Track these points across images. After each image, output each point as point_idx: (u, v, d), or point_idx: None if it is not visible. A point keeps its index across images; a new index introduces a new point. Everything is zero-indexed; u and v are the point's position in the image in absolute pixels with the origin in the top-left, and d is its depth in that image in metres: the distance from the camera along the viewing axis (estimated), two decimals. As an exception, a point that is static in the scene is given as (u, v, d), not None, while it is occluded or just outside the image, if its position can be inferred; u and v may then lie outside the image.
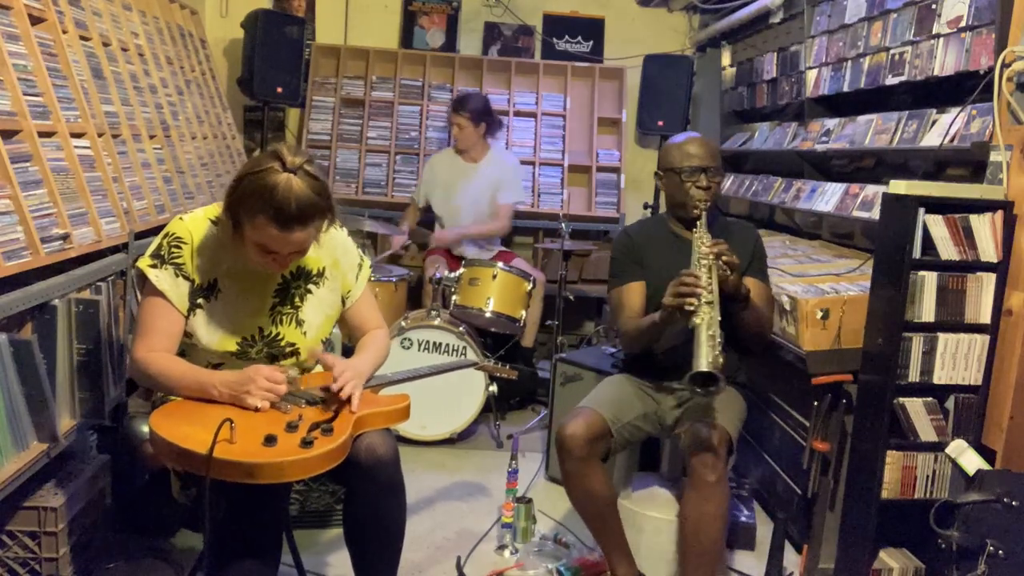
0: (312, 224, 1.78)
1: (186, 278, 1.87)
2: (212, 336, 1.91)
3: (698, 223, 2.34)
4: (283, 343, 1.96)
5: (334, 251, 2.03)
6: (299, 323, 1.98)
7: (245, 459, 1.57)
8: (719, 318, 2.12)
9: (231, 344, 1.92)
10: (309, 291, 2.00)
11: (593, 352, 3.45)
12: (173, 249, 1.87)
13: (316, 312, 2.01)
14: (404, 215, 4.57)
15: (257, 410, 1.76)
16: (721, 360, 2.06)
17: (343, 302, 2.08)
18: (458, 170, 4.37)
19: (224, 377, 1.81)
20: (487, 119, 4.31)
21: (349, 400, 1.86)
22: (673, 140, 2.52)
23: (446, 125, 5.05)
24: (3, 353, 1.85)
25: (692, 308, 2.11)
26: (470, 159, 4.37)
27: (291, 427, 1.70)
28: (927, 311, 2.21)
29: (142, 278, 1.88)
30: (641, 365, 2.53)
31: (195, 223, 1.90)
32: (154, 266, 1.86)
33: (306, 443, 1.64)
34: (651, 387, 2.50)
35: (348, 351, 2.20)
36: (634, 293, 2.47)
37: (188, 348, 1.96)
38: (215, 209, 1.92)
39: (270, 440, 1.62)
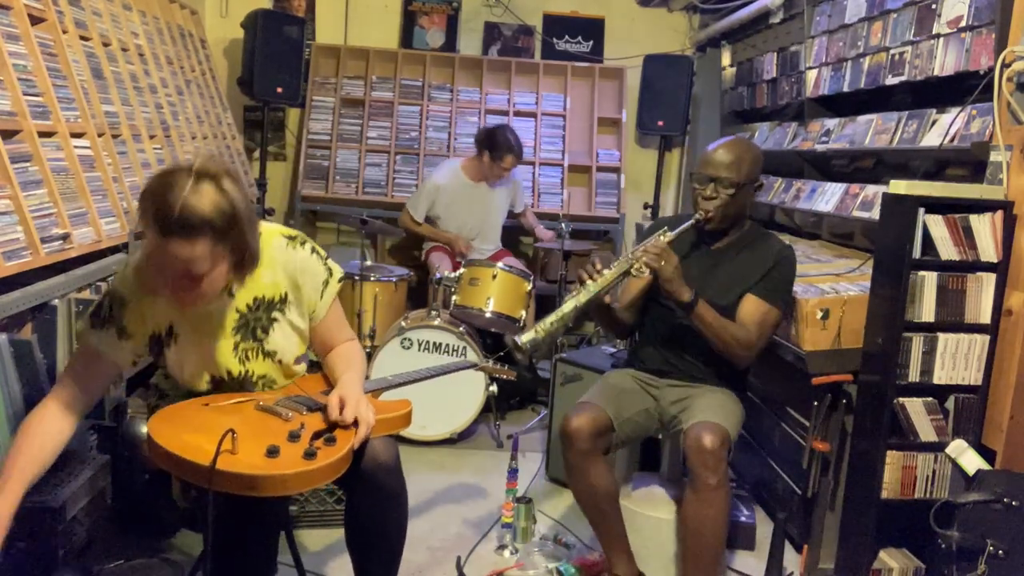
0: (198, 240, 1.56)
1: (130, 337, 1.77)
2: (183, 374, 1.86)
3: (665, 231, 2.34)
4: (255, 379, 1.90)
5: (295, 273, 1.87)
6: (268, 355, 1.89)
7: (247, 472, 1.54)
8: (576, 307, 2.19)
9: (203, 383, 1.86)
10: (274, 319, 1.87)
11: (593, 352, 3.45)
12: (115, 309, 1.76)
13: (286, 338, 1.91)
14: (415, 227, 4.40)
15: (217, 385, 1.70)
16: (532, 338, 2.15)
17: (310, 320, 1.96)
18: (472, 193, 4.34)
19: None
20: None
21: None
22: (711, 144, 2.50)
23: (446, 126, 5.06)
24: (3, 353, 1.86)
25: (574, 291, 2.23)
26: (479, 180, 4.35)
27: (293, 437, 1.66)
28: (927, 311, 2.21)
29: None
30: (646, 359, 2.55)
31: (138, 272, 1.76)
32: (94, 327, 1.76)
33: (309, 455, 1.60)
34: (652, 382, 2.51)
35: (313, 366, 2.11)
36: (632, 283, 2.52)
37: (172, 387, 1.94)
38: None
39: (272, 452, 1.58)
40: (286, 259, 1.86)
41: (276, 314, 1.87)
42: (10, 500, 1.60)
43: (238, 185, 1.64)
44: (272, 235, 1.86)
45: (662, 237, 2.32)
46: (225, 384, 1.88)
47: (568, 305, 2.19)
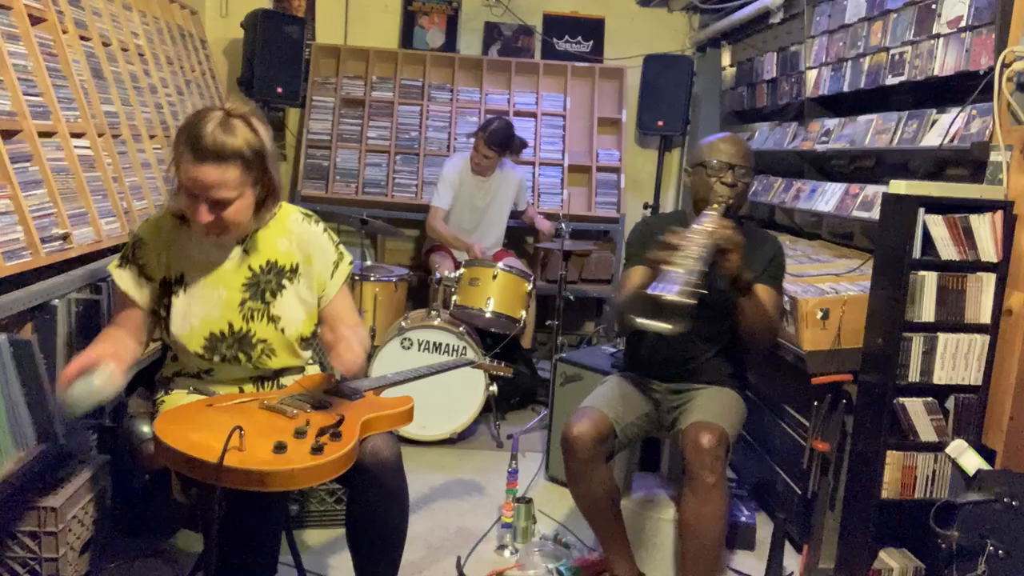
0: (229, 165, 1.74)
1: (148, 278, 1.91)
2: (184, 329, 1.91)
3: (715, 208, 2.28)
4: (254, 340, 1.94)
5: (307, 247, 2.00)
6: (272, 319, 1.95)
7: (256, 467, 1.56)
8: (699, 269, 1.97)
9: (199, 340, 1.91)
10: (283, 286, 1.97)
11: (593, 352, 3.45)
12: (137, 250, 1.92)
13: (294, 309, 1.98)
14: (446, 231, 4.31)
15: (211, 349, 1.82)
16: (684, 295, 1.88)
17: (319, 301, 2.04)
18: (477, 186, 4.34)
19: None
20: (512, 153, 4.34)
21: (353, 403, 1.88)
22: (707, 139, 2.48)
23: (446, 126, 5.06)
24: (3, 353, 1.85)
25: (674, 257, 1.98)
26: (484, 174, 4.34)
27: (300, 433, 1.69)
28: (927, 311, 2.21)
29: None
30: (642, 364, 2.53)
31: (159, 220, 1.95)
32: (120, 266, 1.93)
33: (316, 450, 1.63)
34: (651, 386, 2.50)
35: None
36: (637, 275, 2.40)
37: (178, 354, 1.99)
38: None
39: (280, 447, 1.61)
40: (301, 231, 2.00)
41: (286, 282, 1.97)
42: (111, 348, 1.77)
43: (264, 125, 1.83)
44: (290, 210, 2.03)
45: (715, 216, 2.20)
46: (223, 342, 1.91)
47: (696, 256, 1.97)
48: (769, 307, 2.34)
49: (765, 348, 2.42)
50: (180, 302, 1.91)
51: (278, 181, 1.87)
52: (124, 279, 1.91)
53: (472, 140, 4.31)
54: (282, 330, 1.96)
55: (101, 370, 1.66)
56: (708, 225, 2.13)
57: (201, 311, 1.90)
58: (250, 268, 1.94)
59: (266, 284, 1.95)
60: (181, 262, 1.92)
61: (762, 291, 2.36)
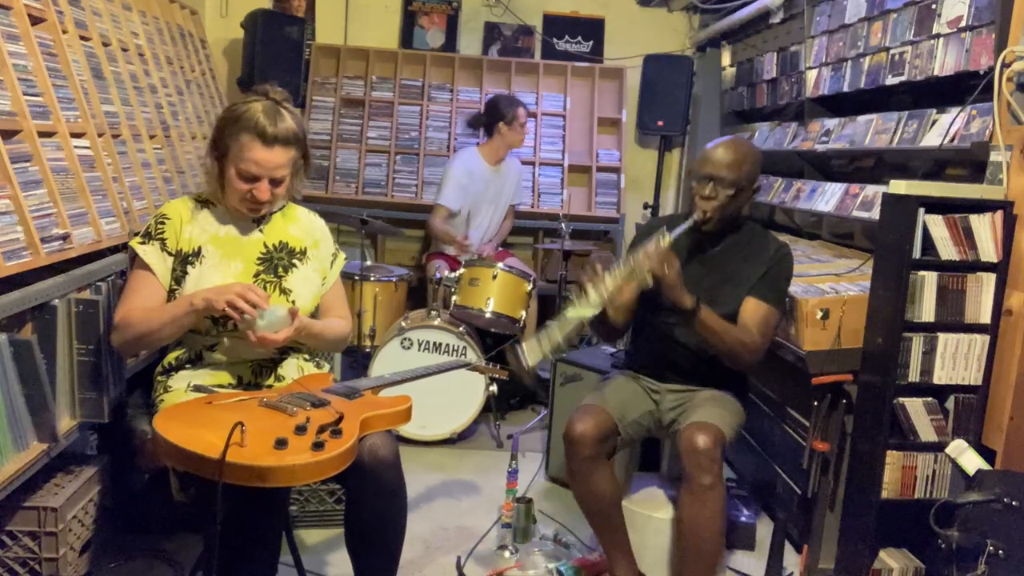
0: (292, 148, 1.95)
1: (169, 253, 2.00)
2: None
3: (664, 233, 2.22)
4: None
5: (314, 233, 2.19)
6: (284, 291, 2.07)
7: (257, 463, 1.57)
8: (581, 320, 2.14)
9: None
10: (294, 265, 2.11)
11: (593, 352, 3.45)
12: (159, 226, 2.02)
13: (304, 287, 2.10)
14: (443, 228, 4.16)
15: (224, 315, 1.86)
16: (540, 358, 2.12)
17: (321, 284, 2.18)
18: (491, 176, 4.28)
19: (202, 292, 1.90)
20: None
21: (352, 402, 1.89)
22: (712, 142, 2.42)
23: (446, 126, 5.06)
24: (3, 353, 1.85)
25: (575, 298, 2.15)
26: (496, 163, 4.30)
27: (300, 430, 1.70)
28: (927, 311, 2.21)
29: (133, 256, 2.01)
30: (642, 364, 2.53)
31: (181, 201, 2.09)
32: (143, 243, 2.01)
33: (317, 446, 1.64)
34: (652, 385, 2.50)
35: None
36: (626, 286, 2.39)
37: (177, 358, 2.03)
38: (201, 193, 2.11)
39: (281, 443, 1.62)
40: (308, 221, 2.21)
41: (296, 261, 2.12)
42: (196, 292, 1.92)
43: (289, 98, 2.03)
44: (296, 205, 2.22)
45: (662, 241, 2.21)
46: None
47: (571, 318, 2.11)
48: (752, 325, 2.29)
49: (745, 364, 2.33)
50: (196, 272, 2.00)
51: (309, 154, 2.07)
52: (149, 253, 1.99)
53: (486, 133, 4.26)
54: (293, 302, 2.04)
55: (280, 304, 1.95)
56: (640, 256, 2.17)
57: (217, 279, 1.99)
58: (265, 244, 2.08)
59: (279, 260, 2.09)
60: (200, 237, 2.03)
61: (749, 305, 2.33)
